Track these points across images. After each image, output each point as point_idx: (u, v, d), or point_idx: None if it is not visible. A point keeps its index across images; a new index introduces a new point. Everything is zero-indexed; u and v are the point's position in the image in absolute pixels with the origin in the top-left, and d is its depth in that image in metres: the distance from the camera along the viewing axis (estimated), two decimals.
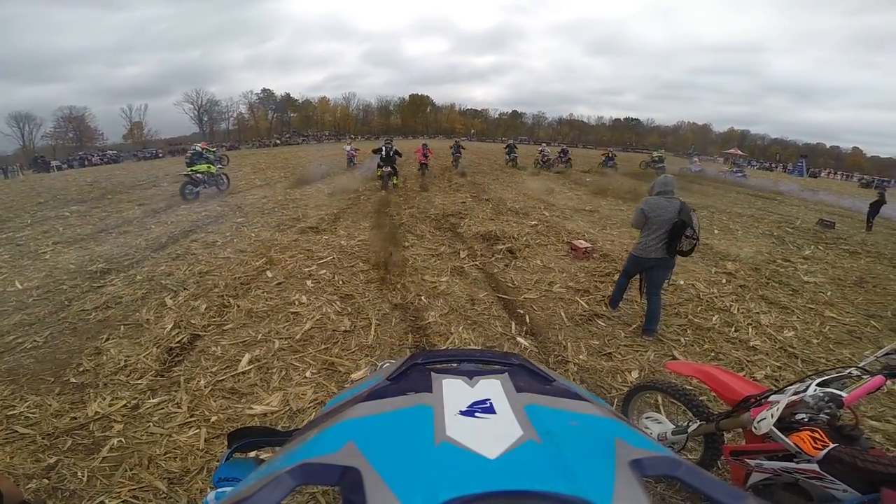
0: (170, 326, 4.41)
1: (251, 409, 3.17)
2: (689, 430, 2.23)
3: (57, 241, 7.90)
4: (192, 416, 3.11)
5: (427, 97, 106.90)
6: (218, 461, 2.74)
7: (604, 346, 4.20)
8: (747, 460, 1.72)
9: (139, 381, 3.55)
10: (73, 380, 3.62)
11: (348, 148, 22.43)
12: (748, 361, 4.03)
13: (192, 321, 4.50)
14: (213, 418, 3.07)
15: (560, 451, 0.34)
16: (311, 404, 3.26)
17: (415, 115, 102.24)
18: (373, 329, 4.36)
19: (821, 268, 7.04)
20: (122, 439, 2.89)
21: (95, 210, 11.19)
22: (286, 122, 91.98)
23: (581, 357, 4.00)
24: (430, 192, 13.29)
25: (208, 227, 8.82)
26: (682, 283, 5.90)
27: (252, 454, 1.09)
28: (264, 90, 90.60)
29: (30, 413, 3.19)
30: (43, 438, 2.90)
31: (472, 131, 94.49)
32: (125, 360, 3.86)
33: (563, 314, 4.89)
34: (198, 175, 12.28)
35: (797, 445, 1.47)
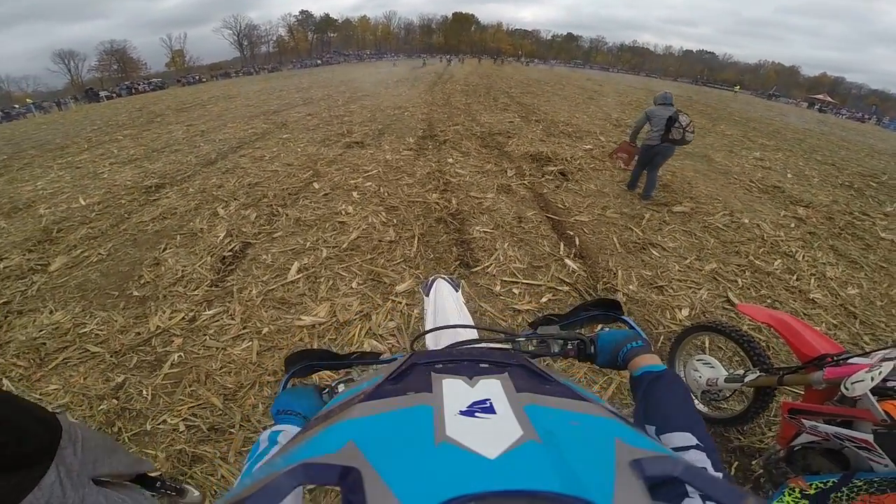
0: (222, 235, 4.29)
1: (300, 319, 3.01)
2: (747, 379, 1.93)
3: (113, 162, 7.90)
4: (244, 328, 2.98)
5: (472, 16, 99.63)
6: (269, 376, 2.62)
7: (656, 279, 3.76)
8: (804, 420, 1.53)
9: (195, 293, 3.45)
10: (135, 293, 3.57)
11: (447, 57, 48.80)
12: (804, 315, 3.48)
13: (243, 230, 4.35)
14: (265, 330, 2.94)
15: (560, 451, 0.33)
16: (357, 316, 3.07)
17: (458, 33, 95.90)
18: (416, 241, 4.06)
19: None
20: (182, 354, 2.81)
21: (146, 133, 11.13)
22: (326, 42, 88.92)
23: (631, 287, 3.59)
24: (474, 109, 12.34)
25: (255, 143, 8.56)
26: (746, 221, 5.21)
27: (314, 378, 0.91)
28: (303, 12, 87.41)
29: (99, 331, 3.15)
30: (111, 356, 2.86)
31: (521, 52, 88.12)
32: (182, 271, 3.77)
33: (615, 240, 4.41)
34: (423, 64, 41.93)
35: (888, 414, 1.25)
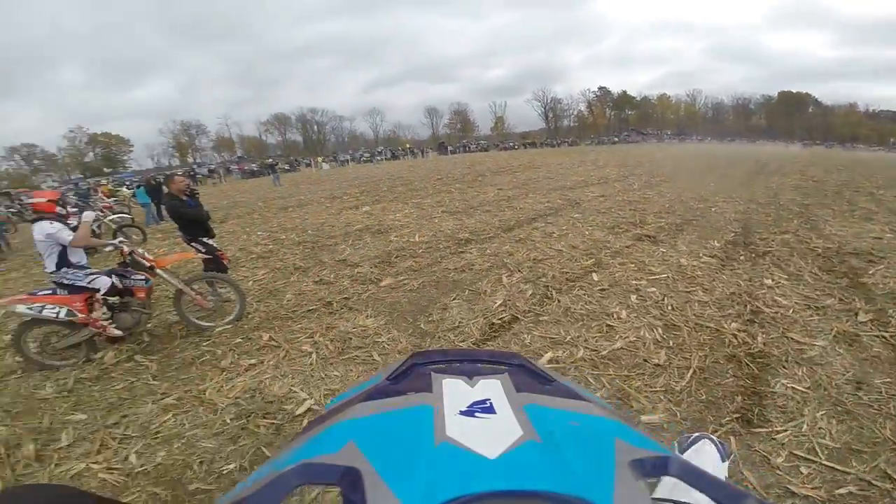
0: (499, 302, 4.61)
1: None
2: None
3: (443, 210, 9.82)
4: None
5: (808, 95, 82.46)
6: None
7: None
8: None
9: (462, 344, 3.83)
10: (422, 326, 4.23)
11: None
12: None
13: (517, 304, 4.57)
14: None
15: (560, 451, 0.32)
16: None
17: (788, 115, 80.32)
18: (690, 373, 3.42)
19: None
20: None
21: (470, 189, 13.37)
22: (623, 119, 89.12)
23: None
24: (816, 213, 9.13)
25: (548, 217, 9.10)
26: None
27: None
28: (601, 88, 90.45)
29: (386, 344, 3.91)
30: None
31: (893, 140, 68.26)
32: (459, 322, 4.24)
33: None
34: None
35: None
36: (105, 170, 63.89)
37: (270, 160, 45.45)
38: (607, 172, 18.00)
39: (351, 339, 4.08)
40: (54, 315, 3.97)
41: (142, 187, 14.57)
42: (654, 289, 4.96)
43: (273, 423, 3.00)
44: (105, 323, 4.09)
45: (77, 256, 4.15)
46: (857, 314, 4.48)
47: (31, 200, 4.37)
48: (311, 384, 3.44)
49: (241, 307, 4.70)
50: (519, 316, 4.32)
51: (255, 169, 46.29)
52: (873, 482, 2.44)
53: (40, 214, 4.03)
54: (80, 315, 3.99)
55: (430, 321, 4.34)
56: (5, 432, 3.21)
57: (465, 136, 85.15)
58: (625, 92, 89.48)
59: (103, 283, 4.11)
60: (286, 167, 47.17)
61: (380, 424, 0.38)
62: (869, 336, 4.07)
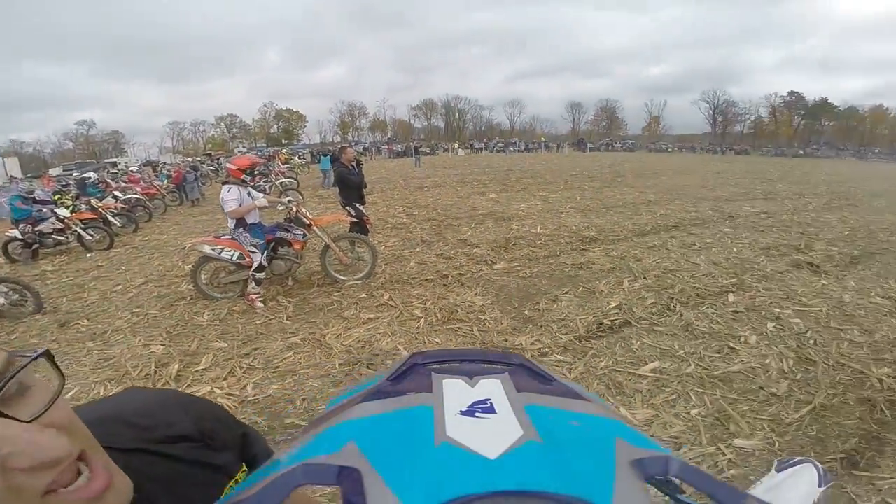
0: (613, 304, 4.57)
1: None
2: None
3: (572, 207, 9.71)
4: None
5: None
6: None
7: None
8: None
9: (562, 338, 3.93)
10: (527, 312, 4.45)
11: None
12: None
13: (634, 309, 4.47)
14: None
15: (560, 451, 0.32)
16: (669, 439, 2.73)
17: None
18: (809, 408, 3.04)
19: None
20: None
21: (606, 189, 12.85)
22: (816, 131, 74.68)
23: None
24: None
25: (692, 227, 8.33)
26: None
27: None
28: (792, 93, 75.66)
29: (488, 322, 4.27)
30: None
31: None
32: (565, 315, 4.36)
33: None
34: None
35: None
36: (283, 141, 75.26)
37: (415, 143, 50.61)
38: (779, 188, 15.41)
39: (457, 311, 4.49)
40: (229, 257, 4.92)
41: (327, 156, 17.78)
42: (798, 320, 4.40)
43: (374, 374, 3.52)
44: (252, 292, 4.87)
45: (252, 217, 4.81)
46: None
47: (227, 165, 5.13)
48: (414, 346, 3.94)
49: (372, 267, 5.51)
50: (632, 321, 4.24)
51: (401, 150, 51.67)
52: None
53: (228, 178, 4.76)
54: (246, 259, 4.88)
55: (536, 309, 4.52)
56: (161, 351, 4.02)
57: (611, 133, 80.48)
58: (825, 100, 74.35)
59: (256, 259, 4.81)
60: (427, 151, 50.71)
61: (380, 425, 0.38)
62: None
